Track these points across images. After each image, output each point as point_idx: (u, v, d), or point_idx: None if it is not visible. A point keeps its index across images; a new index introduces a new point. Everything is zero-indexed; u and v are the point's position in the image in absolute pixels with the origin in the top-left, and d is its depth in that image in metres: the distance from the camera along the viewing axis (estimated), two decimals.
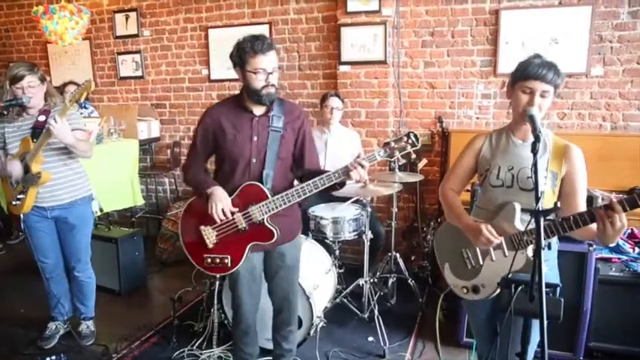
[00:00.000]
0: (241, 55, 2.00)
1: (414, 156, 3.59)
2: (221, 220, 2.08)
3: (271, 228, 2.10)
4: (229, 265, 2.16)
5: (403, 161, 3.57)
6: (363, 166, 1.95)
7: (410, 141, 2.00)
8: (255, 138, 2.11)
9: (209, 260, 2.17)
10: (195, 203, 2.22)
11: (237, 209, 2.09)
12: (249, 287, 2.28)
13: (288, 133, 2.15)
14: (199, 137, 2.19)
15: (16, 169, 2.63)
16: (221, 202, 2.05)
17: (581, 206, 1.71)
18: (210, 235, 2.15)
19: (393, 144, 2.01)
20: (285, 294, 2.35)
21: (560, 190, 1.75)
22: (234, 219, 2.10)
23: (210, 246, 2.16)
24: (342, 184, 2.08)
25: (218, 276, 2.18)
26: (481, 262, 1.83)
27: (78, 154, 2.71)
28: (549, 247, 1.71)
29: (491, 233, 1.71)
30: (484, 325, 1.94)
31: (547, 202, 1.69)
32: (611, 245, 1.65)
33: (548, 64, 1.68)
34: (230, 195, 2.10)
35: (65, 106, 2.54)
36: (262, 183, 2.10)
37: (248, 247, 2.14)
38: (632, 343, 2.61)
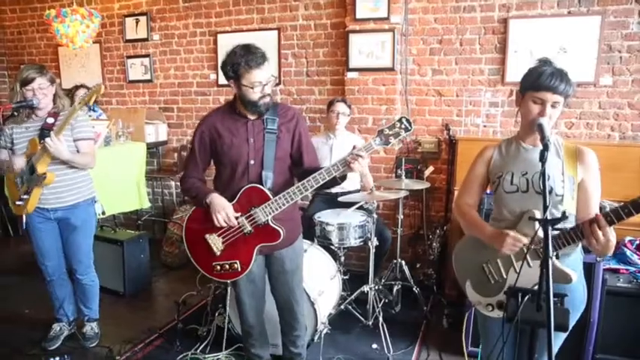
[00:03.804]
0: (235, 69, 2.02)
1: (421, 160, 3.58)
2: (226, 227, 2.11)
3: (276, 228, 2.12)
4: (239, 269, 2.18)
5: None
6: (362, 157, 1.95)
7: (403, 126, 2.00)
8: (251, 140, 2.14)
9: (218, 267, 2.19)
10: (197, 213, 2.23)
11: (239, 213, 2.11)
12: (247, 288, 2.31)
13: (284, 133, 2.17)
14: (197, 145, 2.22)
15: (19, 162, 2.66)
16: (223, 209, 2.08)
17: (594, 210, 1.68)
18: (216, 243, 2.16)
19: (387, 131, 2.01)
20: (286, 298, 2.36)
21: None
22: (238, 223, 2.12)
23: (218, 253, 2.17)
24: (342, 178, 2.08)
25: (229, 282, 2.22)
26: (504, 276, 1.78)
27: (77, 166, 2.74)
28: (557, 256, 1.69)
29: (516, 237, 1.67)
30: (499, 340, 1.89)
31: (567, 207, 1.67)
32: (606, 256, 1.62)
33: (560, 73, 1.67)
34: (231, 200, 2.12)
35: (65, 121, 2.57)
36: (262, 184, 2.11)
37: (256, 249, 2.15)
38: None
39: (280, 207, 2.07)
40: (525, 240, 1.67)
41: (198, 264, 2.24)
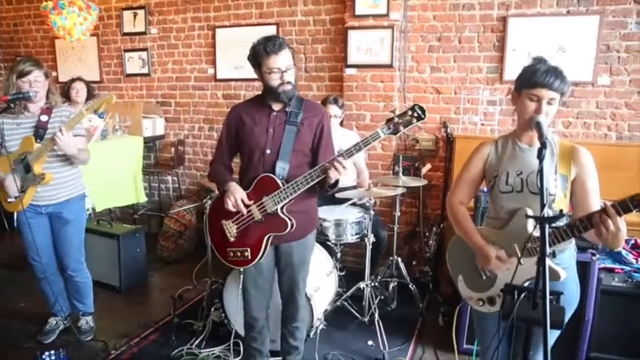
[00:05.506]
0: (256, 57, 2.09)
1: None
2: (236, 212, 2.15)
3: (285, 218, 2.13)
4: (249, 257, 2.21)
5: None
6: (341, 164, 1.97)
7: (415, 114, 1.96)
8: (271, 130, 2.17)
9: (231, 254, 2.24)
10: (219, 199, 2.29)
11: (252, 201, 2.15)
12: (255, 280, 2.33)
13: (305, 127, 2.19)
14: (224, 132, 2.31)
15: (11, 187, 2.62)
16: (232, 195, 2.12)
17: (595, 207, 1.69)
18: (231, 229, 2.22)
19: (396, 119, 1.97)
20: (290, 290, 2.38)
21: (571, 193, 1.74)
22: (250, 211, 2.15)
23: (232, 239, 2.22)
24: (334, 185, 2.12)
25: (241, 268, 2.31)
26: (496, 272, 1.80)
27: (76, 162, 2.74)
28: (554, 254, 1.70)
29: (499, 259, 1.72)
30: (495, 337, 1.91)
31: (559, 205, 1.68)
32: (617, 249, 1.64)
33: (555, 70, 1.67)
34: (247, 188, 2.17)
35: (78, 115, 2.56)
36: (274, 173, 2.13)
37: (266, 238, 2.17)
38: (634, 354, 2.59)
39: (288, 196, 2.09)
40: (504, 268, 1.70)
41: (216, 249, 2.31)
